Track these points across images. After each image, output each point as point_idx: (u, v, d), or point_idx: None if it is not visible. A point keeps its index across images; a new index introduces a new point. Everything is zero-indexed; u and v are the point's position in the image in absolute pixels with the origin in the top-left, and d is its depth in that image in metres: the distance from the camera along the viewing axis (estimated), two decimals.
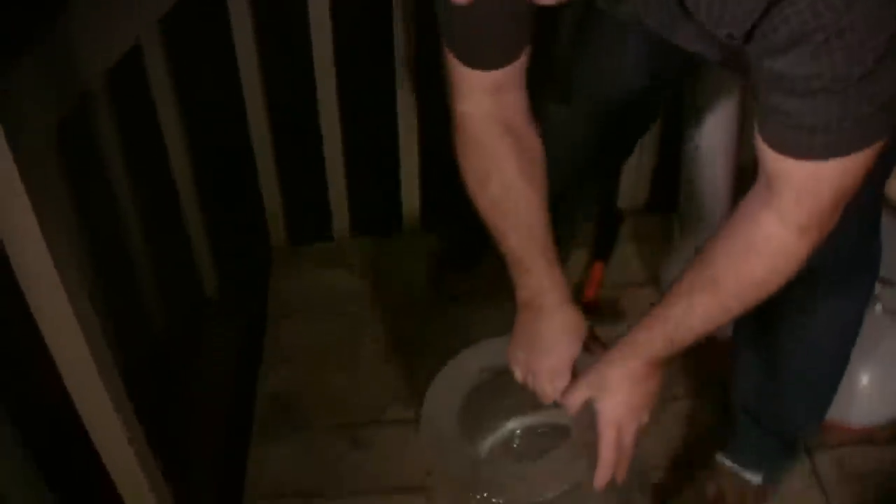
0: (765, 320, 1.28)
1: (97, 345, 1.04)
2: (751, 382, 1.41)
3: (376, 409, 1.63)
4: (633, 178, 1.96)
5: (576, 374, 1.18)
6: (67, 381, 1.05)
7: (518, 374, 1.22)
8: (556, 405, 1.21)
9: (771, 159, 0.89)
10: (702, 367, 1.67)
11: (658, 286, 1.80)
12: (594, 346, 1.20)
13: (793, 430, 1.44)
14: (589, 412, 1.14)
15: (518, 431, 1.35)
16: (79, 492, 1.33)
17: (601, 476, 1.13)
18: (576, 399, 1.15)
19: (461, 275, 1.80)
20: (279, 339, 1.75)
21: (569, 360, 1.18)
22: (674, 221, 1.88)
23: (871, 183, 0.93)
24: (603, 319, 1.75)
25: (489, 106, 1.08)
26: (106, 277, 1.43)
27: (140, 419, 1.15)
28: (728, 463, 1.47)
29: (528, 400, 1.30)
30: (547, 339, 1.18)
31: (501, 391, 1.27)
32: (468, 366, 1.29)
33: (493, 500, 1.17)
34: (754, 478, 1.46)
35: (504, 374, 1.25)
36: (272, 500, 1.51)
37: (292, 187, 1.89)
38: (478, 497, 1.18)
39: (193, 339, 1.77)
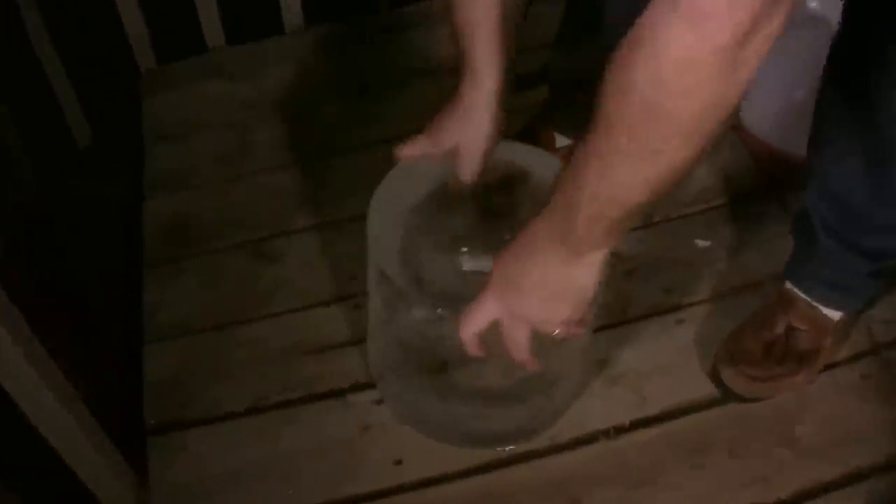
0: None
1: None
2: (839, 184, 1.04)
3: (283, 219, 1.42)
4: None
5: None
6: None
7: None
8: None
9: None
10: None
11: None
12: None
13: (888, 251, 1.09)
14: None
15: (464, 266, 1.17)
16: None
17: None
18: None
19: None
20: (160, 165, 1.51)
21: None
22: None
23: None
24: None
25: None
26: None
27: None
28: (801, 295, 1.17)
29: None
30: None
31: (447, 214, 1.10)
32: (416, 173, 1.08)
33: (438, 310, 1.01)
34: (833, 314, 1.17)
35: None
36: (176, 338, 1.30)
37: (155, 5, 1.62)
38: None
39: (70, 196, 1.52)
